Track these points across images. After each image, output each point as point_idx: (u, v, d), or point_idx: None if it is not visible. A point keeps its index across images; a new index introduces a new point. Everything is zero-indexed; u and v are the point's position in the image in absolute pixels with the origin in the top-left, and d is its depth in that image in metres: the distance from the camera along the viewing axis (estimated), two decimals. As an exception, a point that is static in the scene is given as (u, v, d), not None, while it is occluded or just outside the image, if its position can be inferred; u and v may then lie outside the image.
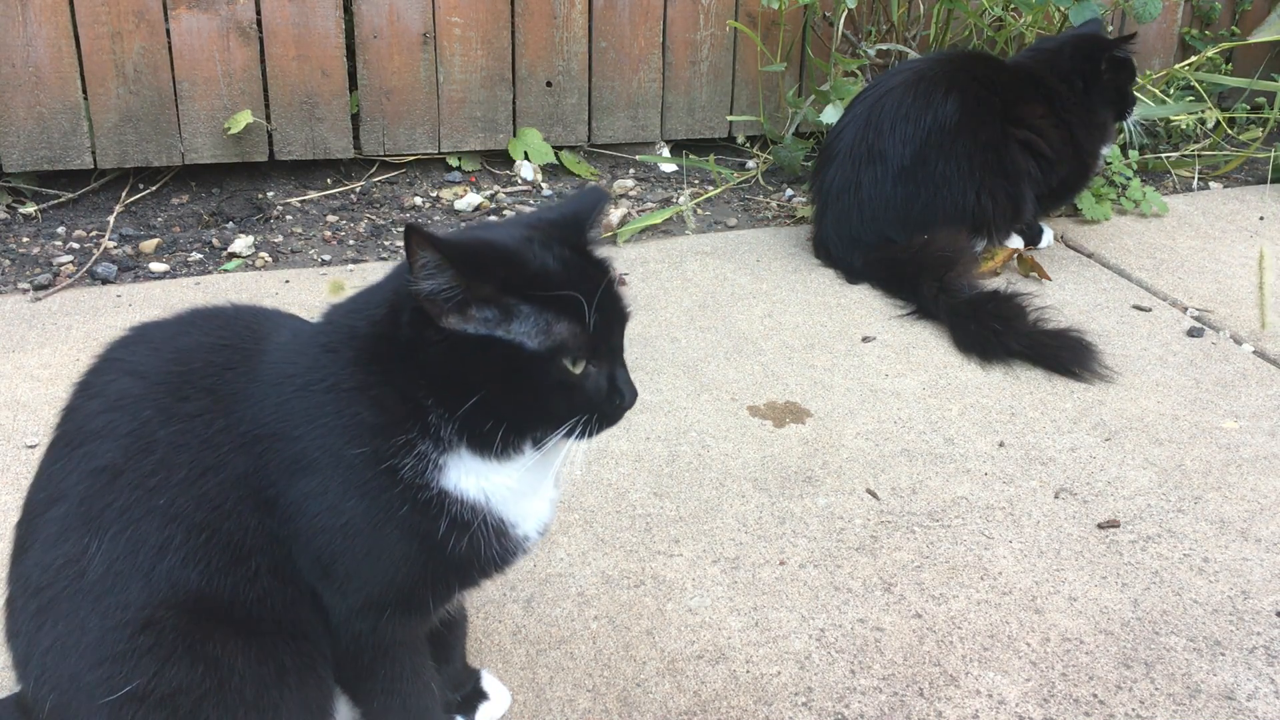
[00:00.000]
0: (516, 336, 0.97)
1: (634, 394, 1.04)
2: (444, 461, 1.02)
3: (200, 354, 1.09)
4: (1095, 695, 1.36)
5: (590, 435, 1.04)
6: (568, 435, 1.02)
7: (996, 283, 2.46)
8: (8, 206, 2.72)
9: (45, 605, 1.02)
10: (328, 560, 1.04)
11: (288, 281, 2.42)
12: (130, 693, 0.99)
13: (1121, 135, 2.83)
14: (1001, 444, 1.89)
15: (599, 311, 0.99)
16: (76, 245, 2.59)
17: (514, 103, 3.04)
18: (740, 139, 3.34)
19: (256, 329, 1.13)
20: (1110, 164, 2.93)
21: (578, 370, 1.00)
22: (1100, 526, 1.67)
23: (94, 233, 2.65)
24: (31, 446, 1.78)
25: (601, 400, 1.02)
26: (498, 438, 1.01)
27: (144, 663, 0.99)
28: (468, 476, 1.03)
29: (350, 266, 2.55)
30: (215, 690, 1.01)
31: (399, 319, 1.00)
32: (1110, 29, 2.64)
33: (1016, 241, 2.63)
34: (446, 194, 2.96)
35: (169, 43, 2.70)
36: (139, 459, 1.02)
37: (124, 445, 1.03)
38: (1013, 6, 3.07)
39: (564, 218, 1.07)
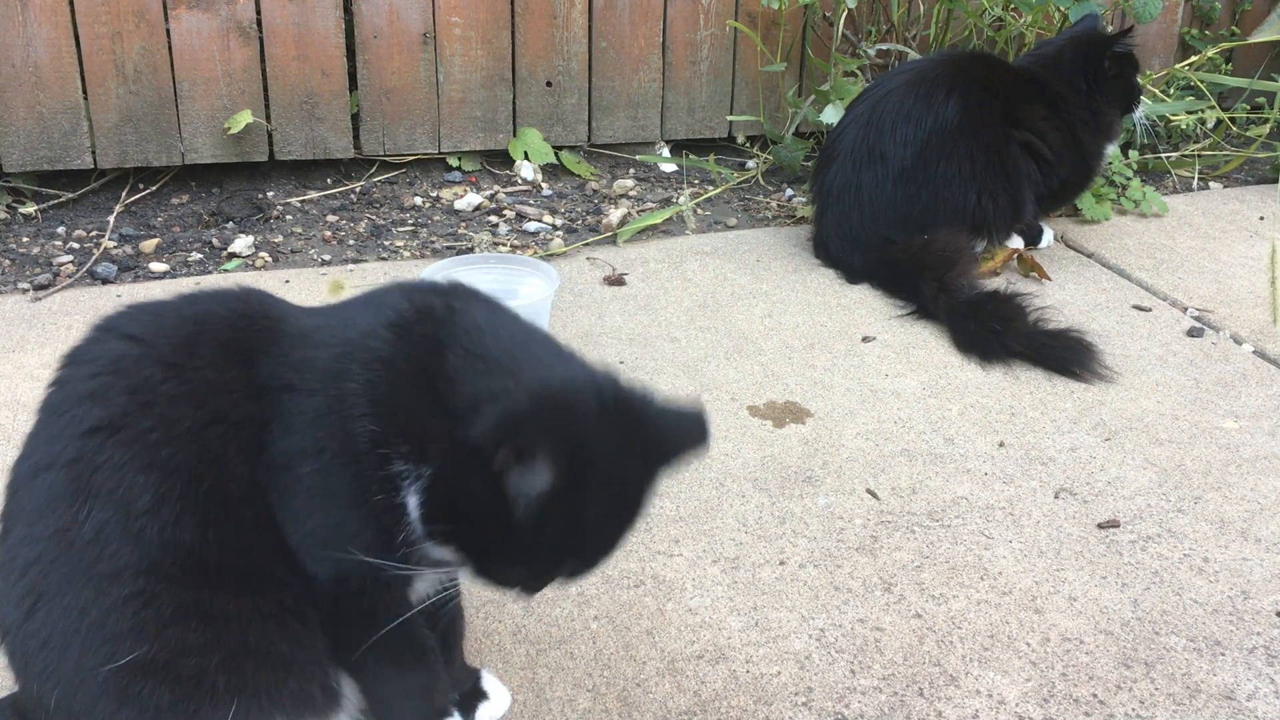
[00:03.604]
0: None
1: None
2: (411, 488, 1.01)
3: (216, 318, 1.08)
4: (1095, 695, 1.36)
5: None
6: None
7: (996, 283, 2.46)
8: (8, 206, 2.72)
9: (33, 586, 0.99)
10: (302, 519, 1.02)
11: (288, 281, 2.42)
12: (133, 662, 0.97)
13: (1126, 135, 2.82)
14: (1001, 444, 1.89)
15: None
16: (76, 245, 2.60)
17: (514, 103, 3.04)
18: (740, 139, 3.34)
19: (271, 301, 1.13)
20: (1111, 164, 2.93)
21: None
22: (1100, 526, 1.67)
23: (94, 233, 2.65)
24: (31, 446, 1.78)
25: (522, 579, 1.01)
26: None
27: (145, 632, 0.98)
28: None
29: (350, 266, 2.55)
30: (216, 642, 1.00)
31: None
32: (1109, 27, 2.64)
33: (1016, 241, 2.63)
34: (446, 194, 2.96)
35: (169, 43, 2.70)
36: (138, 415, 1.00)
37: (121, 404, 1.00)
38: (1013, 6, 3.07)
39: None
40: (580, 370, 1.03)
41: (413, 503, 1.00)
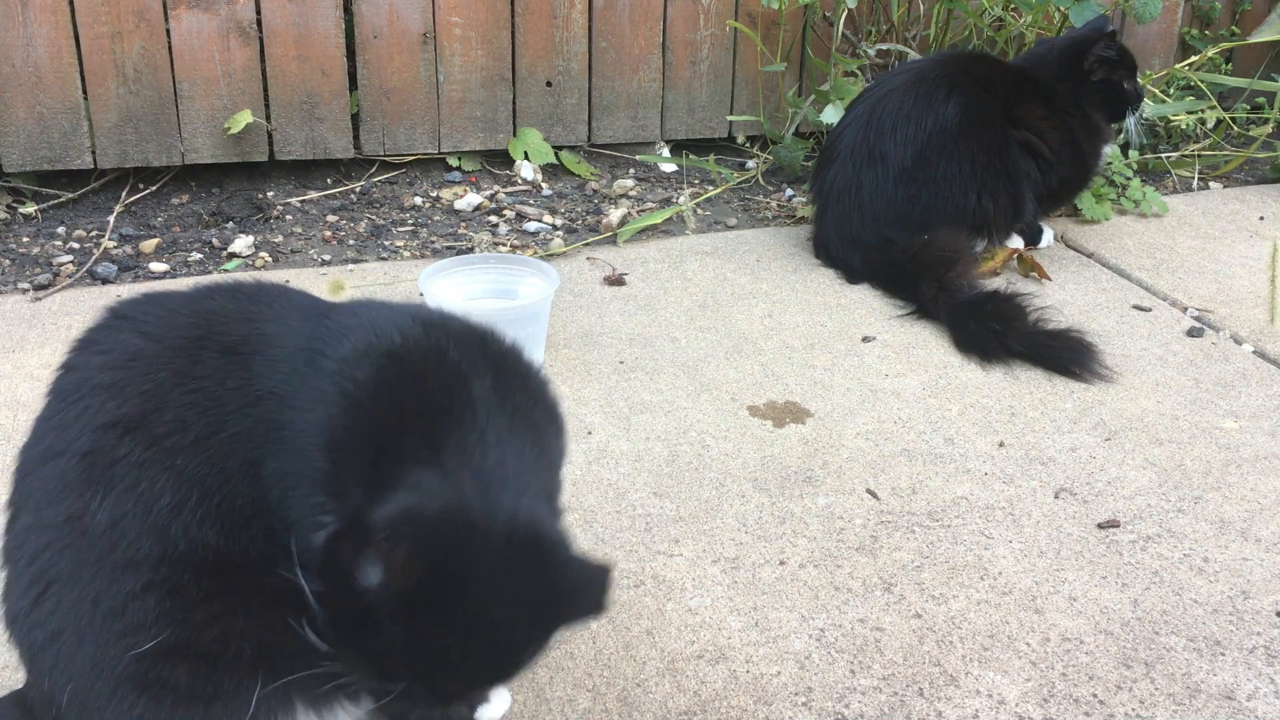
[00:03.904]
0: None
1: None
2: None
3: (225, 317, 1.07)
4: (1095, 695, 1.35)
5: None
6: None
7: (996, 283, 2.46)
8: (8, 206, 2.72)
9: (41, 574, 0.99)
10: (293, 543, 1.00)
11: (288, 281, 2.42)
12: (155, 648, 0.96)
13: (1121, 135, 2.81)
14: (1001, 444, 1.89)
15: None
16: (76, 245, 2.60)
17: (514, 103, 3.04)
18: (740, 139, 3.34)
19: (282, 301, 1.11)
20: (1110, 164, 2.93)
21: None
22: (1100, 526, 1.67)
23: (94, 233, 2.65)
24: (31, 446, 1.78)
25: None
26: None
27: (170, 618, 0.97)
28: None
29: (350, 266, 2.55)
30: (241, 610, 0.99)
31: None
32: (1112, 28, 2.62)
33: (1016, 241, 2.63)
34: (446, 194, 2.96)
35: (169, 43, 2.70)
36: (153, 418, 0.99)
37: (137, 404, 1.00)
38: (1013, 6, 3.07)
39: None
40: (508, 505, 0.95)
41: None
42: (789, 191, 3.09)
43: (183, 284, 2.41)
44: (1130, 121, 2.65)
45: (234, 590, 1.00)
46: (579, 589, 0.96)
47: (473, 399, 1.00)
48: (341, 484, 0.96)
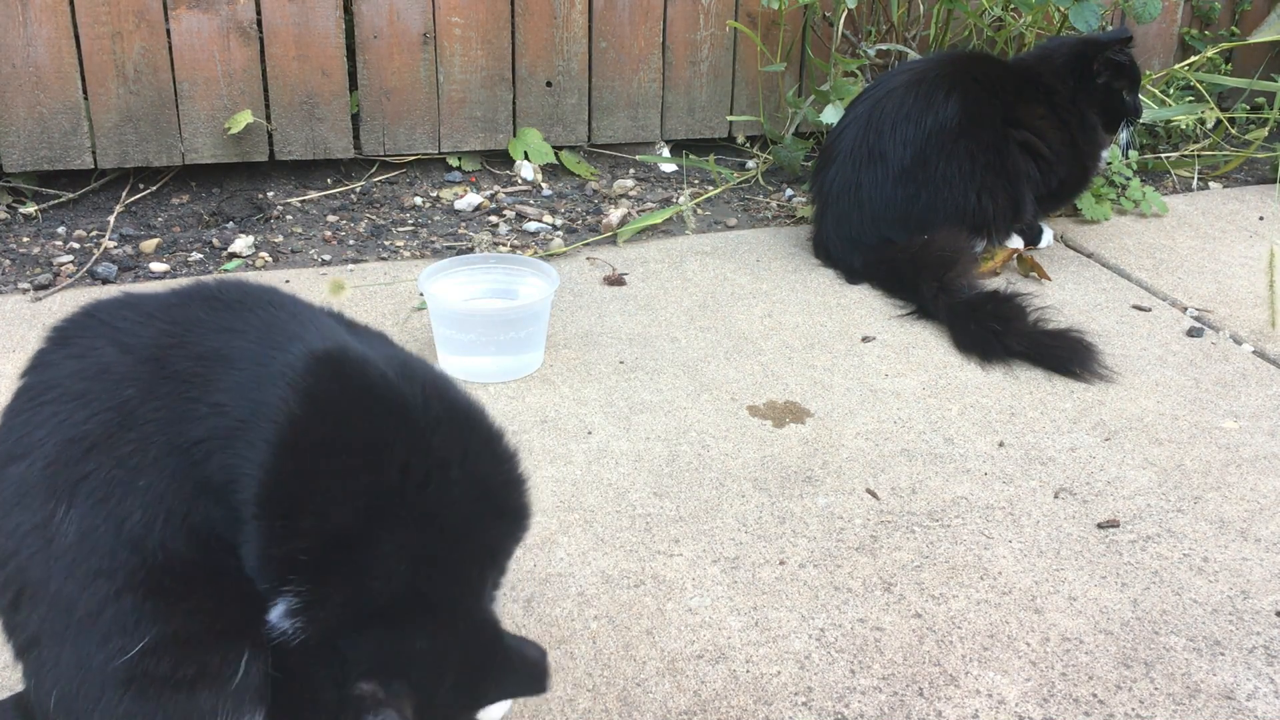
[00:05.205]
0: None
1: None
2: None
3: (198, 329, 1.06)
4: (1095, 695, 1.36)
5: None
6: None
7: (996, 283, 2.46)
8: (8, 206, 2.72)
9: (11, 579, 0.99)
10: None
11: (288, 281, 2.42)
12: (144, 648, 0.97)
13: (1120, 136, 2.81)
14: (1001, 444, 1.89)
15: None
16: (77, 245, 2.60)
17: (514, 103, 3.04)
18: (740, 139, 3.34)
19: (253, 312, 1.10)
20: (1110, 164, 2.93)
21: None
22: (1100, 526, 1.67)
23: (94, 233, 2.65)
24: (32, 446, 1.78)
25: None
26: None
27: (146, 622, 0.97)
28: None
29: (350, 266, 2.55)
30: (226, 595, 1.00)
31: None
32: (1107, 26, 2.62)
33: (1016, 241, 2.63)
34: (446, 194, 2.96)
35: (169, 43, 2.70)
36: (118, 435, 0.99)
37: (103, 419, 0.99)
38: (1013, 6, 3.07)
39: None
40: (469, 610, 1.06)
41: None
42: (789, 191, 3.09)
43: (183, 284, 2.41)
44: (1123, 136, 2.63)
45: (211, 584, 1.00)
46: (518, 676, 1.08)
47: (426, 491, 1.03)
48: (288, 545, 0.98)
